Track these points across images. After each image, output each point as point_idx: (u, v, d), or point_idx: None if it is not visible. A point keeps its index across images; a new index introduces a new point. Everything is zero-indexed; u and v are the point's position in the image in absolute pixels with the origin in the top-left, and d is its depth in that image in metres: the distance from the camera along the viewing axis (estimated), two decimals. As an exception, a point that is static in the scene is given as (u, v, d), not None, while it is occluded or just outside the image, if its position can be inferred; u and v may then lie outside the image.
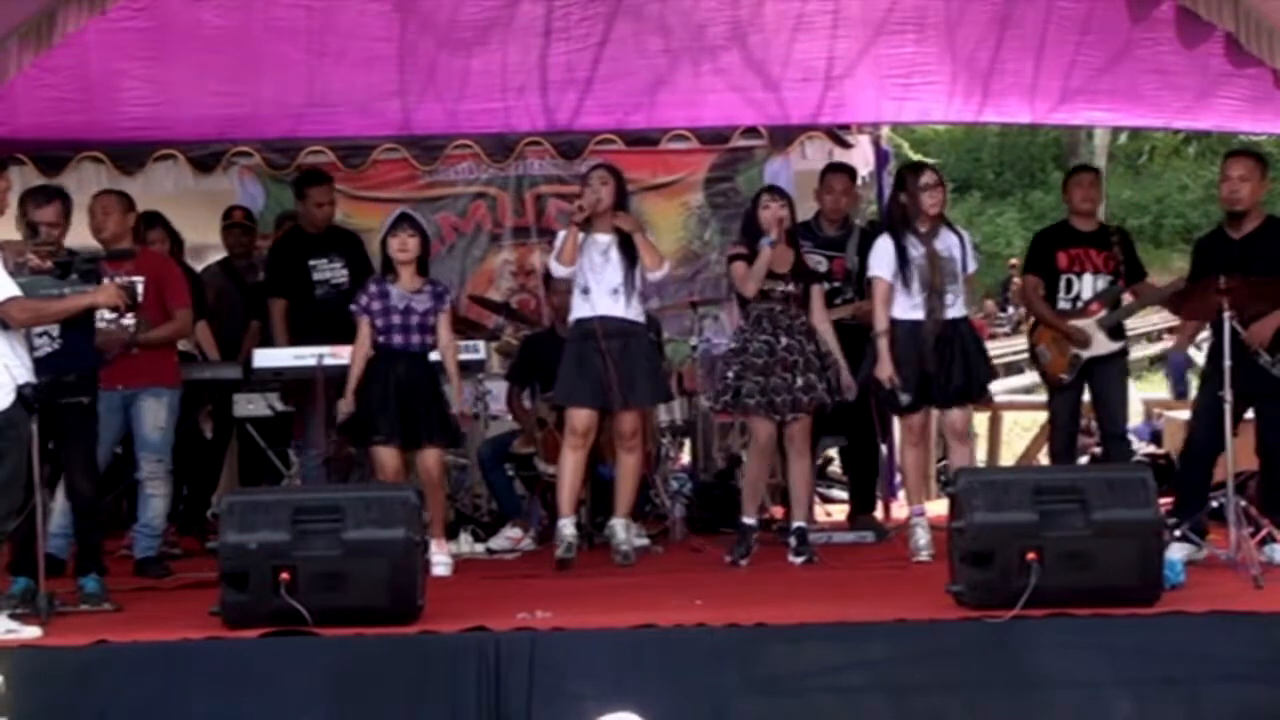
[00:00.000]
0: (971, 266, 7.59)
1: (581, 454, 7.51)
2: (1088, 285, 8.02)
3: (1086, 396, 8.18)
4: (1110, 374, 8.06)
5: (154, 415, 7.45)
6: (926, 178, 7.51)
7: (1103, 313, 7.95)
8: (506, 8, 8.69)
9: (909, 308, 7.43)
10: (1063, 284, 8.01)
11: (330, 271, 8.67)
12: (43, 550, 6.34)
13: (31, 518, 6.28)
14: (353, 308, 7.62)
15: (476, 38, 8.92)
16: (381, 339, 7.49)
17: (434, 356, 7.68)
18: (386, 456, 7.43)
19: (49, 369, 6.44)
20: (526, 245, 10.50)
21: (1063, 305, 8.00)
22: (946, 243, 7.49)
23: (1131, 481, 5.87)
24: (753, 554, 7.50)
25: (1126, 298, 8.09)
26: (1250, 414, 7.26)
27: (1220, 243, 7.33)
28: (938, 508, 7.81)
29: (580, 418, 7.48)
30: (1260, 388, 7.04)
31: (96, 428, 6.96)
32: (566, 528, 7.44)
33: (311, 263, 8.67)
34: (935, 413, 7.73)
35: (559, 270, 7.60)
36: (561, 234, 7.67)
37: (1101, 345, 7.96)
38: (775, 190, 7.87)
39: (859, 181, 10.71)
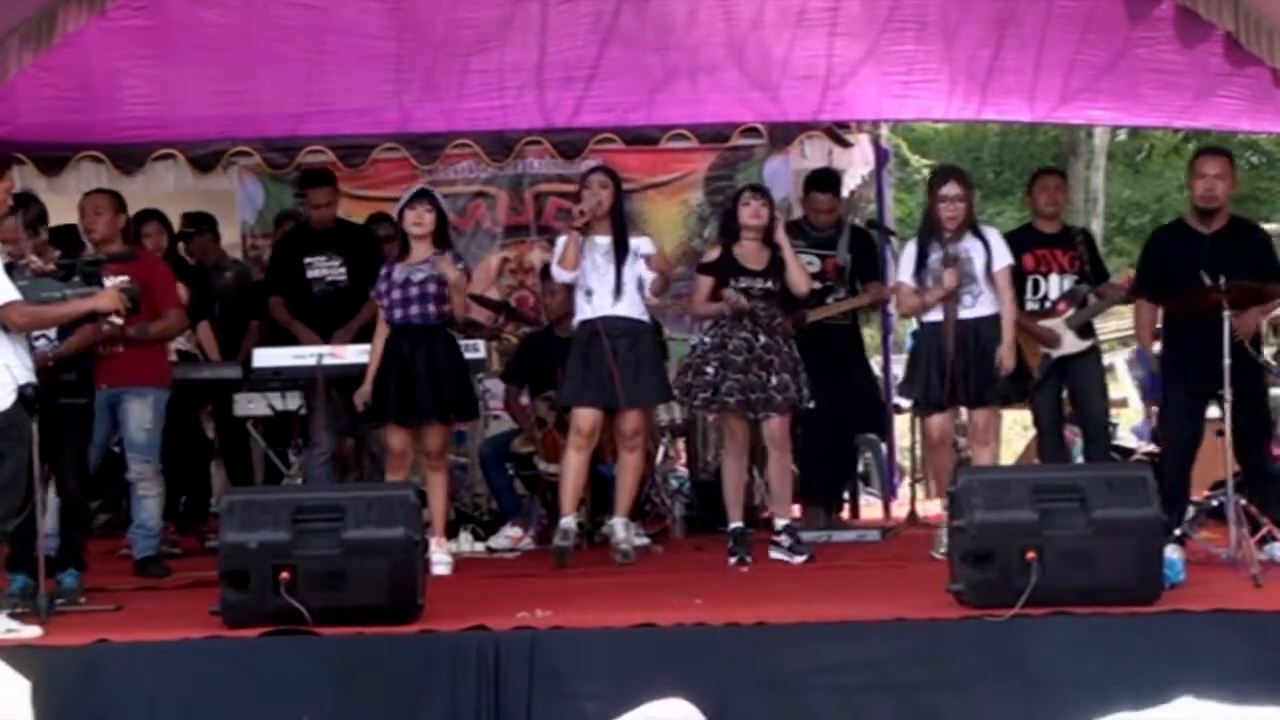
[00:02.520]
0: (1000, 263, 7.44)
1: (585, 454, 7.52)
2: (1054, 285, 8.08)
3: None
4: (1084, 369, 8.11)
5: (139, 416, 7.39)
6: (947, 189, 7.45)
7: (1070, 312, 8.01)
8: (502, 14, 8.68)
9: (935, 311, 7.42)
10: (1029, 285, 8.05)
11: (327, 269, 8.67)
12: (42, 549, 6.34)
13: (31, 515, 6.27)
14: (372, 294, 7.72)
15: (475, 47, 8.93)
16: (387, 317, 7.53)
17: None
18: (389, 436, 7.49)
19: (48, 369, 6.45)
20: (525, 243, 10.51)
21: (1030, 306, 8.04)
22: (967, 245, 7.43)
23: (1131, 480, 5.88)
24: (753, 552, 7.50)
25: (1092, 298, 8.11)
26: (1215, 411, 7.31)
27: (1190, 238, 7.36)
28: (937, 508, 7.82)
29: (585, 418, 7.48)
30: (1231, 387, 7.05)
31: (92, 428, 6.98)
32: (569, 523, 7.47)
33: (307, 260, 8.66)
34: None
35: (563, 275, 7.61)
36: (562, 239, 7.67)
37: (1071, 344, 8.02)
38: (758, 190, 7.86)
39: (860, 180, 10.75)
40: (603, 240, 7.54)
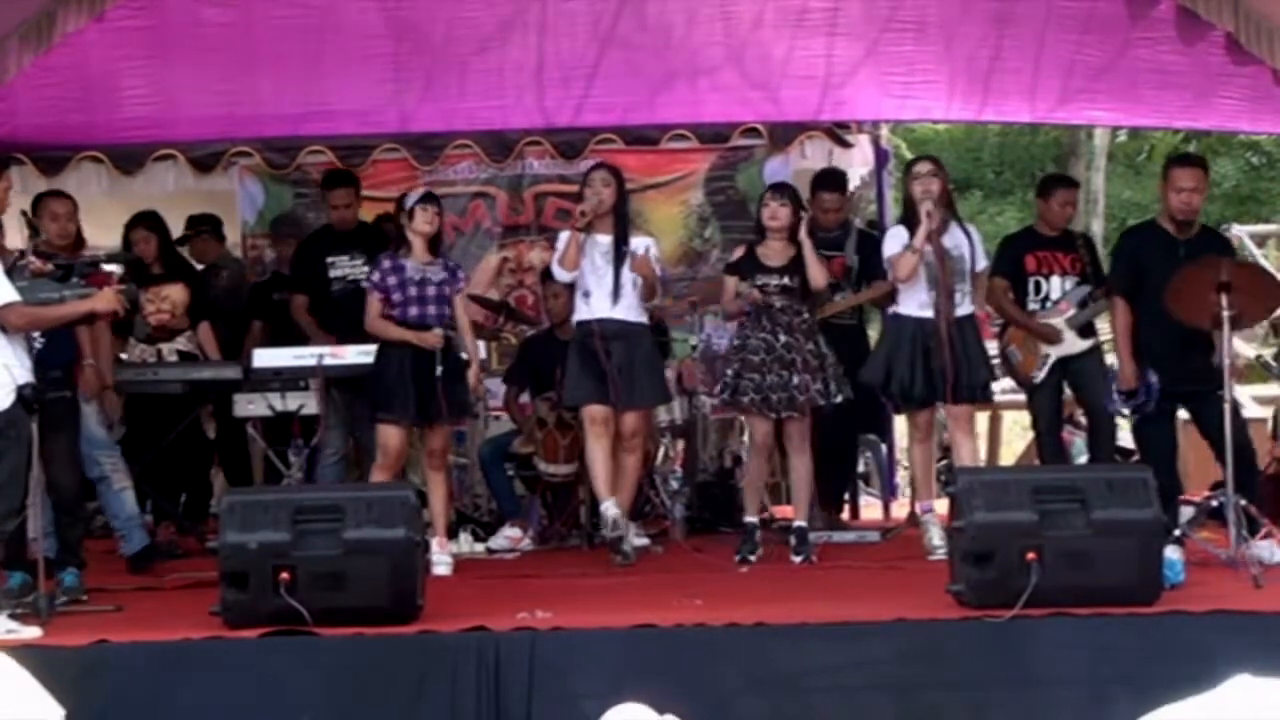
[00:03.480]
0: (981, 264, 7.60)
1: (606, 441, 7.48)
2: (1056, 287, 8.10)
3: (1066, 394, 8.25)
4: (1086, 366, 8.11)
5: (96, 414, 7.41)
6: (918, 167, 7.57)
7: (1071, 312, 8.01)
8: (502, 15, 8.67)
9: (917, 305, 7.44)
10: (1031, 286, 8.09)
11: (349, 268, 8.67)
12: (41, 549, 6.34)
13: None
14: (365, 284, 7.66)
15: (475, 47, 8.93)
16: (398, 312, 7.49)
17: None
18: (392, 435, 7.42)
19: (35, 365, 6.47)
20: (525, 243, 10.51)
21: (1032, 307, 8.07)
22: (955, 240, 7.48)
23: (1131, 481, 5.87)
24: (759, 552, 7.50)
25: (1093, 299, 8.10)
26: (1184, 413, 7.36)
27: (1166, 243, 7.36)
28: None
29: (596, 411, 7.48)
30: (1193, 386, 7.08)
31: (79, 421, 6.98)
32: (610, 509, 7.39)
33: (330, 259, 8.68)
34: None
35: (563, 275, 7.61)
36: (564, 237, 7.66)
37: (1072, 344, 8.02)
38: (781, 190, 7.86)
39: (859, 180, 10.75)
40: (603, 240, 7.53)
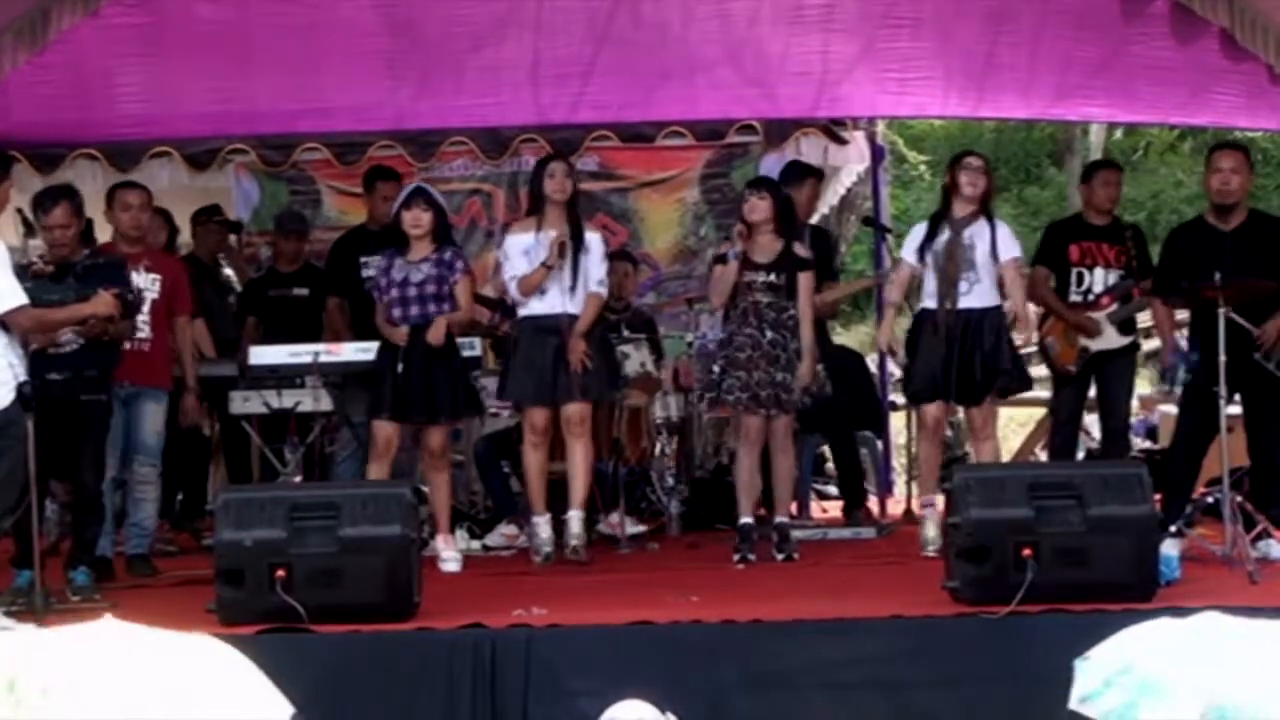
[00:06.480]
0: (1007, 254, 7.30)
1: (542, 451, 7.44)
2: (1099, 279, 8.00)
3: (1092, 392, 8.18)
4: (1118, 369, 8.03)
5: (154, 418, 7.43)
6: (969, 159, 7.50)
7: (1114, 307, 7.93)
8: (498, 12, 8.66)
9: (925, 296, 7.38)
10: (1074, 277, 7.99)
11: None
12: (38, 548, 6.34)
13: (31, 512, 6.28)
14: (367, 285, 7.58)
15: (470, 44, 8.92)
16: (394, 312, 7.47)
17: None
18: (381, 432, 7.39)
19: (71, 365, 6.48)
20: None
21: (1074, 298, 7.97)
22: (973, 231, 7.34)
23: (1127, 478, 5.88)
24: (755, 550, 7.47)
25: (1136, 293, 8.05)
26: (1237, 409, 7.28)
27: (1208, 235, 7.33)
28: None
29: (535, 415, 7.43)
30: (1250, 384, 7.06)
31: (110, 423, 7.01)
32: (543, 529, 7.37)
33: (364, 259, 8.66)
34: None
35: (519, 299, 7.53)
36: (518, 247, 7.53)
37: (1111, 339, 7.94)
38: (759, 184, 7.82)
39: (856, 177, 10.75)
40: (555, 234, 7.44)
